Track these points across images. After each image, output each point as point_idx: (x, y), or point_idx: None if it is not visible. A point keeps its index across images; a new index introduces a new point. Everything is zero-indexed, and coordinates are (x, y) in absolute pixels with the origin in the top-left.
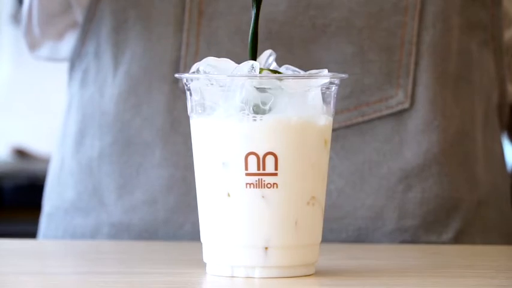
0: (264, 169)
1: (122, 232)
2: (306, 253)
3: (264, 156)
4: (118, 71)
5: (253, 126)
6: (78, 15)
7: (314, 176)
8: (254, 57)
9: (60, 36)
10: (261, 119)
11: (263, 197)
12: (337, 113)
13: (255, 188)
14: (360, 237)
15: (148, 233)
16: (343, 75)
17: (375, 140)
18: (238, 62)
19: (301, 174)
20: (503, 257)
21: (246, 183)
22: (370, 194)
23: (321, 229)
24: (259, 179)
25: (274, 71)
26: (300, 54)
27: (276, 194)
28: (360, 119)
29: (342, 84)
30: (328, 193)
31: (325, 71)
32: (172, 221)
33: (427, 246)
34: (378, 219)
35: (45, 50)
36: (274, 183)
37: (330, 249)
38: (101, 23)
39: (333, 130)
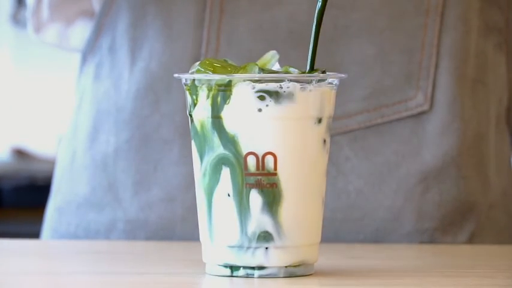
0: (263, 169)
1: (138, 229)
2: (306, 253)
3: (263, 156)
4: (135, 66)
5: (252, 126)
6: (95, 4)
7: (313, 176)
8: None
9: (68, 22)
10: (260, 119)
11: (262, 197)
12: (356, 113)
13: (254, 188)
14: (378, 238)
15: (166, 230)
16: (342, 75)
17: (394, 141)
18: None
19: (300, 174)
20: (504, 257)
21: (246, 183)
22: (388, 195)
23: (321, 229)
24: (258, 179)
25: (274, 72)
26: (320, 55)
27: (276, 194)
28: (380, 120)
29: (361, 85)
30: (347, 193)
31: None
32: (190, 219)
33: (426, 246)
34: (396, 220)
35: (51, 34)
36: (273, 183)
37: (330, 249)
38: (118, 18)
39: (352, 131)
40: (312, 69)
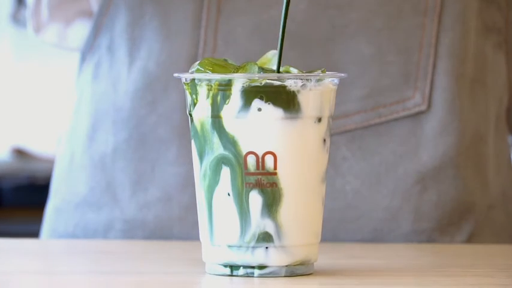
0: (263, 168)
1: (135, 229)
2: (306, 252)
3: (263, 155)
4: (133, 66)
5: (252, 125)
6: (93, 4)
7: (313, 175)
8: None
9: (68, 22)
10: (260, 119)
11: (262, 196)
12: (354, 113)
13: (254, 188)
14: (376, 238)
15: (163, 230)
16: (342, 75)
17: (391, 142)
18: (256, 61)
19: (300, 173)
20: (503, 256)
21: (245, 183)
22: (386, 195)
23: (321, 228)
24: (258, 179)
25: (274, 71)
26: (318, 54)
27: (275, 193)
28: (377, 120)
29: (359, 85)
30: (344, 194)
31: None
32: (187, 218)
33: (426, 246)
34: (393, 220)
35: (51, 34)
36: (273, 183)
37: (330, 249)
38: (115, 18)
39: (350, 131)
40: (278, 70)
